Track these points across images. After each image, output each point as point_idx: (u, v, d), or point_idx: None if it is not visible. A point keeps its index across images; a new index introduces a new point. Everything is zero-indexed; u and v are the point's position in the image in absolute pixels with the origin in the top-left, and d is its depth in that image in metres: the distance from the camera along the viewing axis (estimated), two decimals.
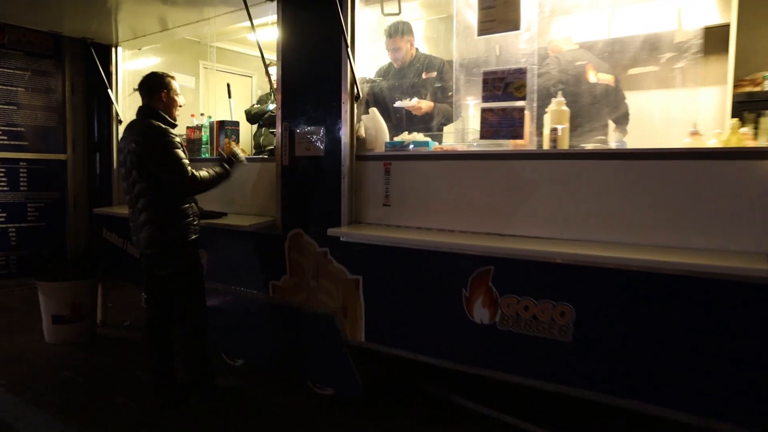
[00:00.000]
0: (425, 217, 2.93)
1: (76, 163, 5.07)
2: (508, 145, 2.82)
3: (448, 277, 2.76)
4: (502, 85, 2.68)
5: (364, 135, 3.19)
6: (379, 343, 3.07)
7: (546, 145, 2.70)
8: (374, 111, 3.22)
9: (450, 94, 3.92)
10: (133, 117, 3.24)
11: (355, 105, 3.14)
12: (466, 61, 3.09)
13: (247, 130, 6.31)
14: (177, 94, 3.30)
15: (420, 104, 3.74)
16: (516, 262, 2.55)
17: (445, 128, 3.88)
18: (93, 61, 4.75)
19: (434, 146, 3.03)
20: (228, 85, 4.73)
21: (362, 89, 3.18)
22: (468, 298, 2.70)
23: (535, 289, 2.50)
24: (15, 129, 4.68)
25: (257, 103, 6.01)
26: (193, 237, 3.24)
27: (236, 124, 4.03)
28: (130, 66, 5.02)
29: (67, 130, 5.00)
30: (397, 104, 3.66)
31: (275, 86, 3.57)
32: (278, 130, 3.42)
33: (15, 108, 4.68)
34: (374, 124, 3.18)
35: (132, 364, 4.05)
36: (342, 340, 3.19)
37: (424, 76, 3.93)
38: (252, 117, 5.68)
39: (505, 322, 2.58)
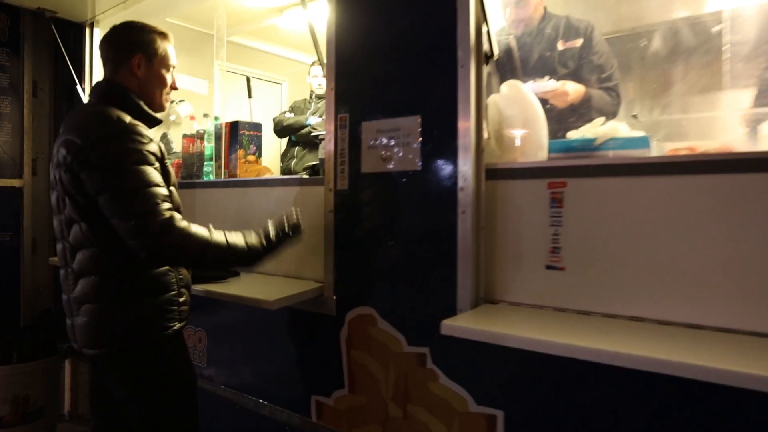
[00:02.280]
0: (656, 297, 1.35)
1: (36, 192, 3.63)
2: None
3: None
4: None
5: (499, 132, 1.65)
6: None
7: None
8: (517, 85, 1.69)
9: (605, 74, 2.40)
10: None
11: (485, 70, 1.61)
12: None
13: (273, 148, 4.87)
14: (168, 66, 1.80)
15: (566, 88, 2.22)
16: None
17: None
18: (62, 51, 3.36)
19: (668, 149, 1.47)
20: (248, 80, 3.30)
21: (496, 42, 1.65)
22: None
23: None
24: None
25: (290, 110, 4.57)
26: (176, 326, 1.71)
27: (257, 127, 2.53)
28: None
29: (24, 147, 3.57)
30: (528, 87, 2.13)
31: (323, 59, 2.08)
32: (328, 127, 1.91)
33: None
34: (521, 110, 1.64)
35: None
36: None
37: (561, 46, 2.41)
38: (283, 129, 4.23)
39: None
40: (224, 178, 2.51)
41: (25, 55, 3.54)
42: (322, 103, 4.42)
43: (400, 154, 1.72)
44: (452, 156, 1.60)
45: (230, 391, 2.31)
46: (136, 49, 1.72)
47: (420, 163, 1.68)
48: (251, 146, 2.48)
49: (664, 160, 1.37)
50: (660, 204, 1.35)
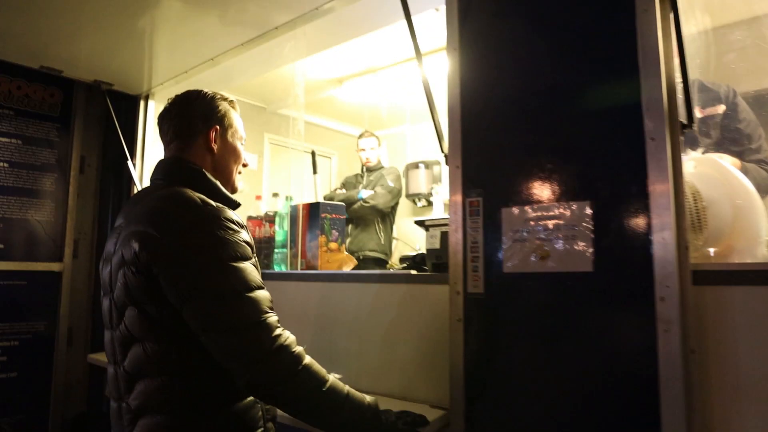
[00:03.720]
0: None
1: (76, 277, 3.31)
2: None
3: None
4: None
5: (695, 221, 1.27)
6: None
7: None
8: (716, 161, 1.32)
9: (755, 145, 2.04)
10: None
11: (681, 141, 1.25)
12: None
13: None
14: (241, 139, 1.50)
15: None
16: None
17: None
18: (114, 124, 3.13)
19: None
20: (313, 154, 2.99)
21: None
22: None
23: None
24: None
25: (342, 187, 4.29)
26: None
27: (340, 209, 2.19)
28: None
29: (67, 227, 3.28)
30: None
31: (440, 127, 1.74)
32: (453, 213, 1.54)
33: None
34: (727, 193, 1.26)
35: None
36: None
37: (698, 113, 2.08)
38: None
39: None
40: (301, 268, 2.14)
41: (75, 130, 3.32)
42: (374, 176, 4.15)
43: (563, 251, 1.33)
44: (643, 254, 1.21)
45: None
46: (211, 120, 1.42)
47: (593, 263, 1.29)
48: (333, 232, 2.13)
49: None
50: None
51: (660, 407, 1.16)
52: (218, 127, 1.43)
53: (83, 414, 3.05)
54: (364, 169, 4.23)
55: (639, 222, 1.23)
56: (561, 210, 1.34)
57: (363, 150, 4.18)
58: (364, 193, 4.02)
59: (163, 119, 1.46)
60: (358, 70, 3.73)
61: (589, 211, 1.30)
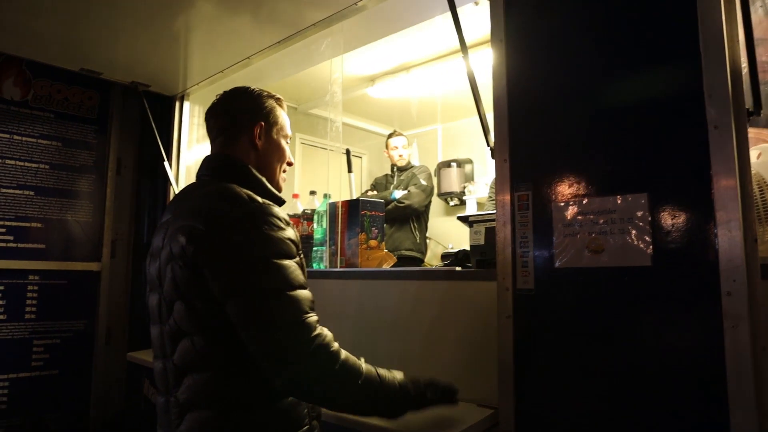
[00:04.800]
0: None
1: (114, 276, 3.35)
2: None
3: None
4: None
5: (759, 212, 1.21)
6: None
7: None
8: None
9: None
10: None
11: (747, 126, 1.19)
12: None
13: None
14: (287, 137, 1.49)
15: None
16: None
17: None
18: (149, 125, 3.16)
19: None
20: (347, 153, 2.97)
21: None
22: None
23: None
24: (26, 225, 3.05)
25: (372, 188, 4.28)
26: None
27: (379, 206, 2.17)
28: (201, 132, 3.40)
29: (105, 227, 3.33)
30: None
31: (487, 121, 1.70)
32: (500, 207, 1.50)
33: (31, 194, 3.08)
34: None
35: None
36: None
37: None
38: None
39: None
40: (340, 266, 2.12)
41: (112, 132, 3.36)
42: (404, 175, 4.12)
43: (618, 245, 1.28)
44: (707, 247, 1.16)
45: None
46: (257, 116, 1.42)
47: (651, 257, 1.23)
48: (373, 229, 2.11)
49: None
50: None
51: (728, 409, 1.10)
52: (263, 123, 1.42)
53: (122, 412, 3.09)
54: (395, 169, 4.21)
55: (702, 214, 1.17)
56: (616, 202, 1.29)
57: (395, 148, 4.17)
58: (398, 194, 4.00)
59: (210, 115, 1.46)
60: (390, 68, 3.70)
61: (646, 203, 1.25)
